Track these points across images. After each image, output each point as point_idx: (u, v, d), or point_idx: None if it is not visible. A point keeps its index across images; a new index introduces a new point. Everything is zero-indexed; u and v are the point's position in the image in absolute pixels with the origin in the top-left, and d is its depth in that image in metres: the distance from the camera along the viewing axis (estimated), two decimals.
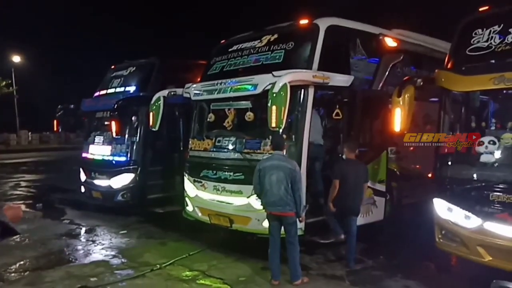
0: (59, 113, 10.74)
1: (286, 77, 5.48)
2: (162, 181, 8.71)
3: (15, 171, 18.25)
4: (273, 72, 5.68)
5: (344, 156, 6.04)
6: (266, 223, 5.48)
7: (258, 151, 6.10)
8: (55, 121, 10.82)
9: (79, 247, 6.95)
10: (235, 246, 6.47)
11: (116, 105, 8.37)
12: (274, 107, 5.33)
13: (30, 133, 38.24)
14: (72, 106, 10.64)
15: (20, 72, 40.20)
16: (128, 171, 8.51)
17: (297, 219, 5.19)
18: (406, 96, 5.29)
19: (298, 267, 5.25)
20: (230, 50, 7.18)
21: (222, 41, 7.72)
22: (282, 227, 5.23)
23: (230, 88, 6.34)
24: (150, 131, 8.04)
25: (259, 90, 5.82)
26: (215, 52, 7.53)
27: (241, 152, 6.30)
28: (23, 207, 9.66)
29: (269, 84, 5.51)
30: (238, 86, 6.21)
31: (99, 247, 6.93)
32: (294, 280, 5.20)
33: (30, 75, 38.18)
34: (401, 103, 5.29)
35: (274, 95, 5.34)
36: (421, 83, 5.44)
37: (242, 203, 6.12)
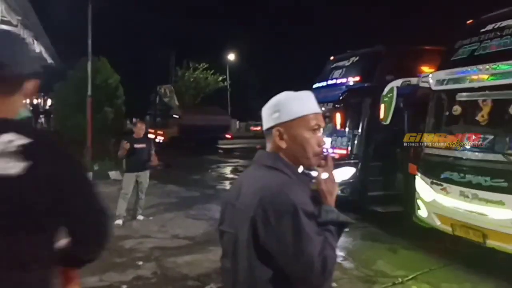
0: None
1: None
2: (383, 177, 8.00)
3: (230, 156, 21.29)
4: None
5: None
6: None
7: None
8: None
9: None
10: (488, 266, 5.30)
11: (341, 97, 7.97)
12: None
13: (238, 122, 42.85)
14: None
15: (232, 68, 45.53)
16: (348, 165, 8.05)
17: None
18: None
19: None
20: (482, 30, 5.92)
21: (469, 21, 6.52)
22: None
23: (488, 75, 5.24)
24: (372, 123, 7.59)
25: None
26: (461, 35, 6.36)
27: (505, 153, 5.11)
28: None
29: None
30: (502, 73, 5.06)
31: None
32: None
33: (241, 70, 42.72)
34: None
35: None
36: None
37: (503, 216, 4.93)
